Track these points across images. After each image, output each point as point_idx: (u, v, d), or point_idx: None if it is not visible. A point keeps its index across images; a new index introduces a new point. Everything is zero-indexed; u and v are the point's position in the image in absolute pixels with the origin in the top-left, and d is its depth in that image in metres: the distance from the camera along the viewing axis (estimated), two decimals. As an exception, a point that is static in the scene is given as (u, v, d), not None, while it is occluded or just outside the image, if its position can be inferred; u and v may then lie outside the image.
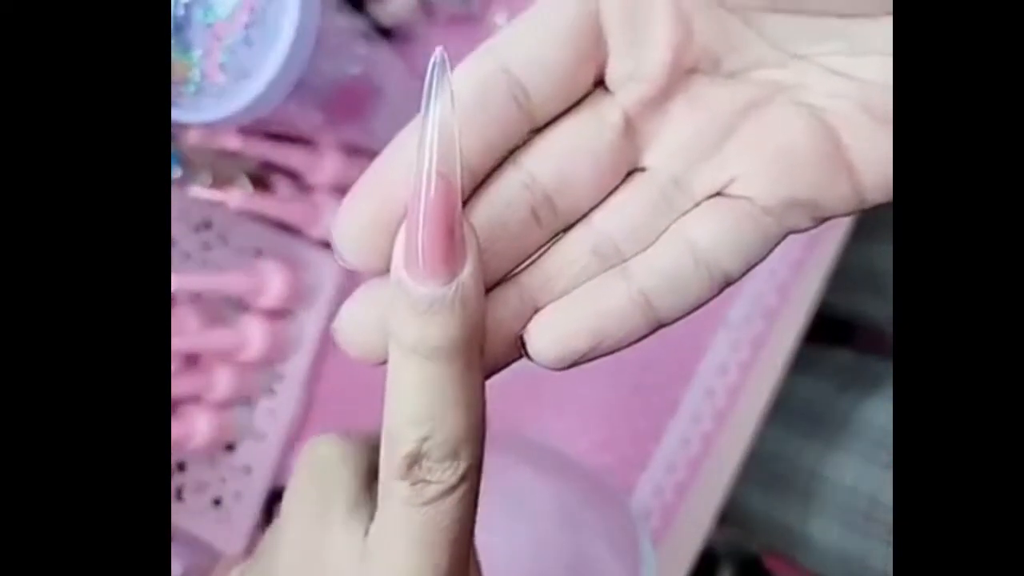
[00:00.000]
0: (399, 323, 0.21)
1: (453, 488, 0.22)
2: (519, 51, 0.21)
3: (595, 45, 0.22)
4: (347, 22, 0.52)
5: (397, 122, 0.65)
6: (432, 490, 0.22)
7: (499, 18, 0.61)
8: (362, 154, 0.64)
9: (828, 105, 0.22)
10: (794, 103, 0.22)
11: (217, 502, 0.65)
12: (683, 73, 0.22)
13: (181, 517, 0.66)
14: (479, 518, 0.27)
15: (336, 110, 0.54)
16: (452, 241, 0.20)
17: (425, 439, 0.21)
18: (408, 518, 0.22)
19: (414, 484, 0.22)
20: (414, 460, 0.21)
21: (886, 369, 0.74)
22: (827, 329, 0.72)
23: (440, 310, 0.20)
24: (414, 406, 0.21)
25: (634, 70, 0.22)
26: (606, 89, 0.23)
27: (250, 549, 0.66)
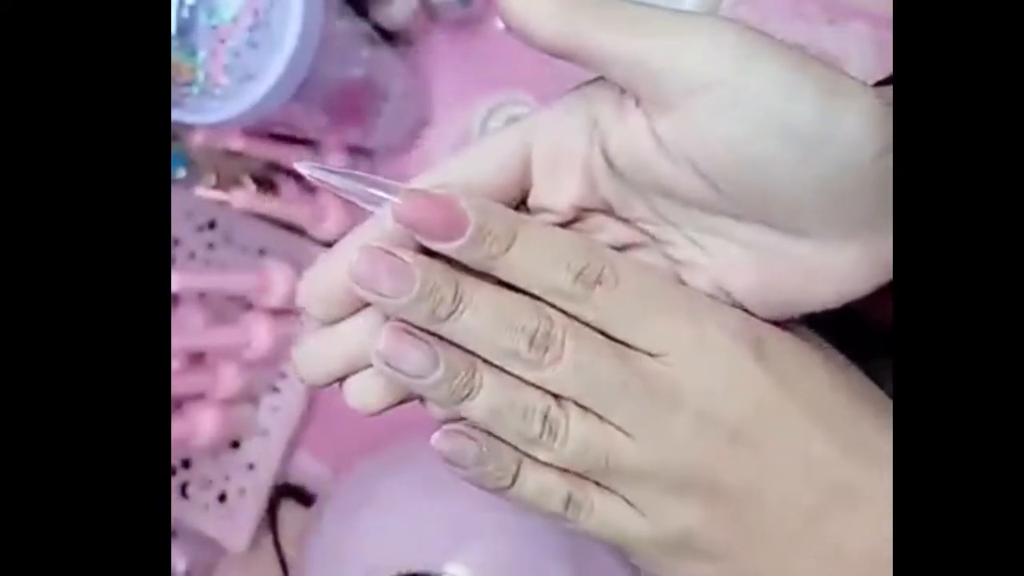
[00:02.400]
0: None
1: None
2: (463, 170, 0.27)
3: (523, 176, 0.27)
4: (350, 25, 0.52)
5: (399, 124, 0.65)
6: None
7: (500, 21, 0.61)
8: (365, 155, 0.64)
9: (685, 261, 0.27)
10: (661, 253, 0.28)
11: (222, 498, 0.65)
12: (584, 210, 0.27)
13: (186, 513, 0.66)
14: (473, 510, 0.28)
15: (339, 112, 0.54)
16: None
17: None
18: None
19: None
20: None
21: (885, 368, 0.74)
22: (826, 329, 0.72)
23: None
24: None
25: (548, 203, 0.27)
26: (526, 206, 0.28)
27: (254, 545, 0.66)
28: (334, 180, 0.26)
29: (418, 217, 0.25)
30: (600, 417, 0.26)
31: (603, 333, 0.26)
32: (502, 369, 0.26)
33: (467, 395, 0.25)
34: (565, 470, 0.26)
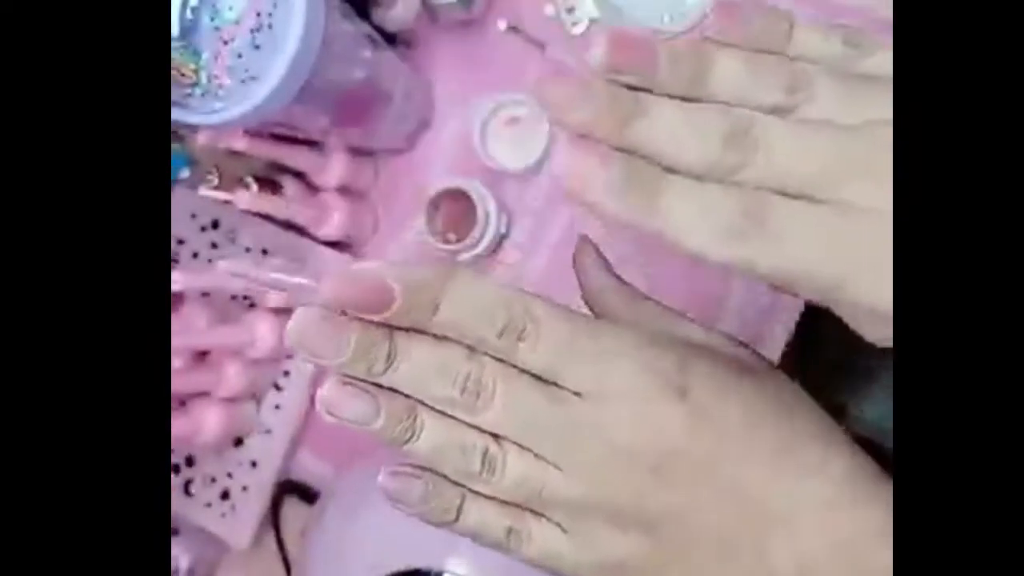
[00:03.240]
0: None
1: None
2: None
3: None
4: (352, 27, 0.53)
5: (400, 125, 0.65)
6: None
7: (501, 23, 0.62)
8: (367, 156, 0.65)
9: None
10: None
11: (225, 496, 0.66)
12: None
13: (189, 510, 0.66)
14: None
15: (341, 113, 0.55)
16: None
17: None
18: None
19: None
20: None
21: (881, 365, 0.74)
22: (822, 325, 0.72)
23: None
24: None
25: None
26: None
27: (257, 542, 0.67)
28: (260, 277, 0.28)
29: (345, 297, 0.26)
30: (535, 454, 0.28)
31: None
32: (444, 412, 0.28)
33: (409, 438, 0.27)
34: (505, 502, 0.28)
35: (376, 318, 0.26)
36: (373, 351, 0.26)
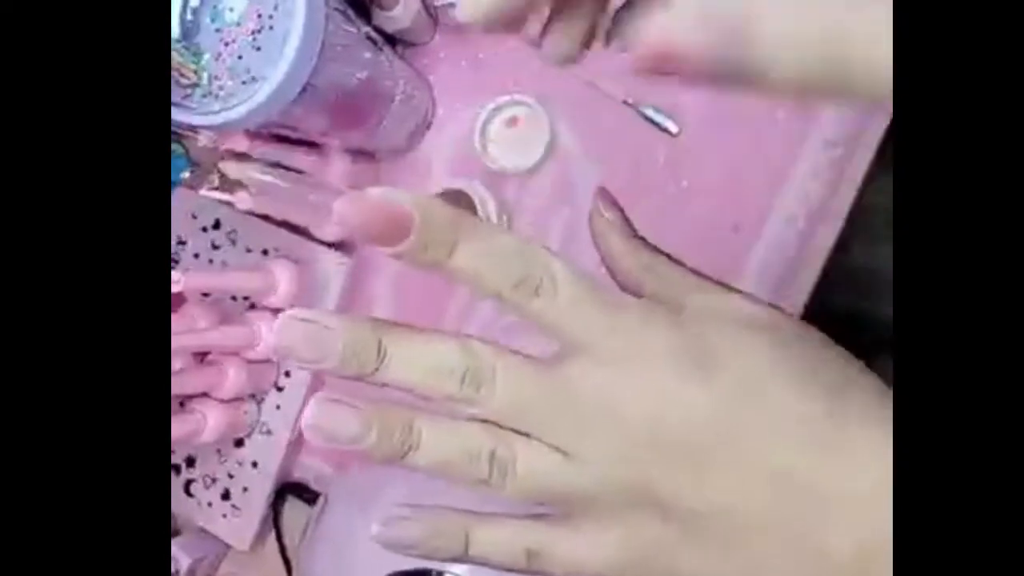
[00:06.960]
0: None
1: None
2: None
3: None
4: (353, 28, 0.53)
5: (401, 126, 0.65)
6: None
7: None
8: (368, 157, 0.65)
9: None
10: None
11: (226, 496, 0.66)
12: None
13: (190, 511, 0.67)
14: (477, 508, 0.28)
15: (342, 114, 0.55)
16: None
17: None
18: None
19: None
20: None
21: (884, 369, 0.74)
22: (827, 330, 0.72)
23: None
24: None
25: None
26: None
27: (257, 543, 0.67)
28: (273, 183, 0.26)
29: (362, 221, 0.24)
30: (544, 443, 0.26)
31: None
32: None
33: (408, 450, 0.26)
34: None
35: (389, 252, 0.24)
36: (362, 354, 0.25)
